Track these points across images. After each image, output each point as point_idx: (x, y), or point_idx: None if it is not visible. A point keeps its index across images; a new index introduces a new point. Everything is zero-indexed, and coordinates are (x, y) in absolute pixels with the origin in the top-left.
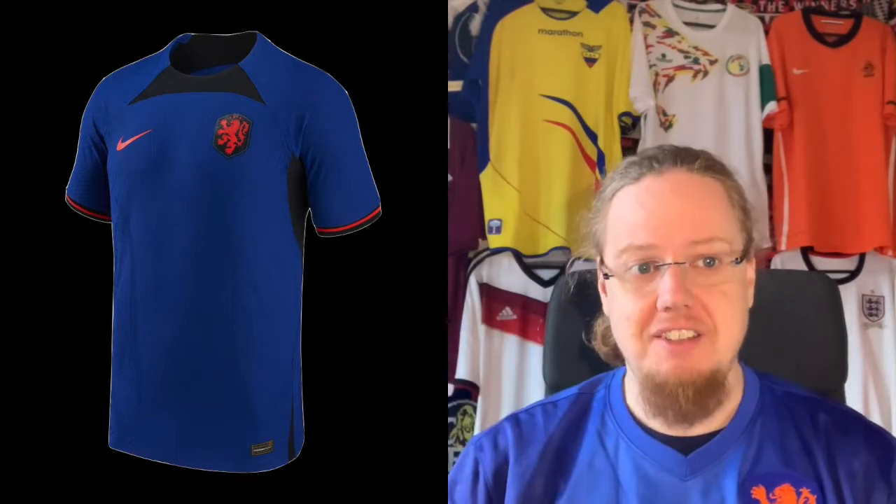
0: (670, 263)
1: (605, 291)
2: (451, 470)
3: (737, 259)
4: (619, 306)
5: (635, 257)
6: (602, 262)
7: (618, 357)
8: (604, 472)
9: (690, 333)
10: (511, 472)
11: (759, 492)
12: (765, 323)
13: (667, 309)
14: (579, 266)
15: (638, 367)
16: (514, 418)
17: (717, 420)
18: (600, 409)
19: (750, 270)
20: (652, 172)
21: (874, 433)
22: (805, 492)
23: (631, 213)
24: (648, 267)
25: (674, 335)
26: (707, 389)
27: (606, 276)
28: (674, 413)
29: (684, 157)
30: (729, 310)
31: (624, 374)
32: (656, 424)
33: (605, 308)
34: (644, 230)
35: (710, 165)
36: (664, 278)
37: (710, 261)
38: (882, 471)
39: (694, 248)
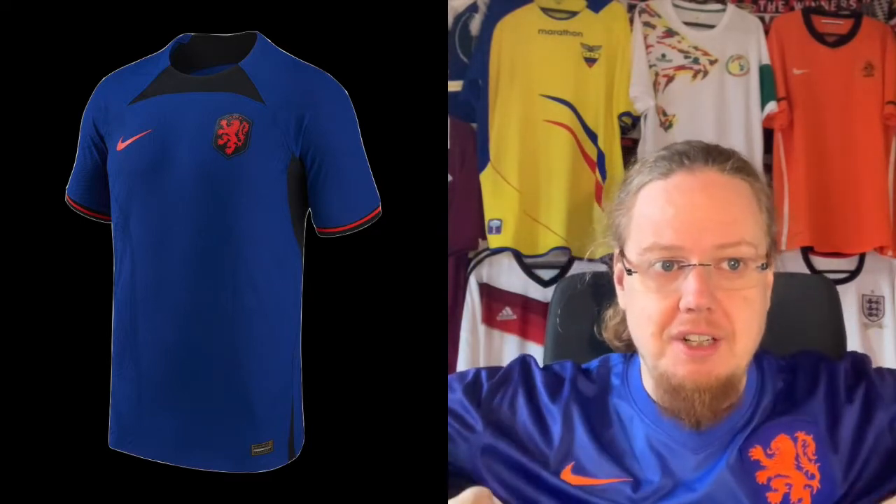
0: (695, 264)
1: (621, 284)
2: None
3: (762, 265)
4: (640, 304)
5: (660, 256)
6: (622, 254)
7: (629, 351)
8: (618, 443)
9: (709, 338)
10: (534, 399)
11: (756, 452)
12: (765, 324)
13: (689, 310)
14: (581, 267)
15: (654, 365)
16: (550, 366)
17: (733, 401)
18: (618, 383)
19: (769, 274)
20: (682, 169)
21: (855, 361)
22: (800, 435)
23: (658, 209)
24: (672, 265)
25: (693, 338)
26: (722, 394)
27: (629, 272)
28: (686, 416)
29: (716, 157)
30: (749, 316)
31: None
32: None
33: (621, 302)
34: (671, 229)
35: (740, 166)
36: (688, 279)
37: (735, 263)
38: (853, 384)
39: (721, 251)
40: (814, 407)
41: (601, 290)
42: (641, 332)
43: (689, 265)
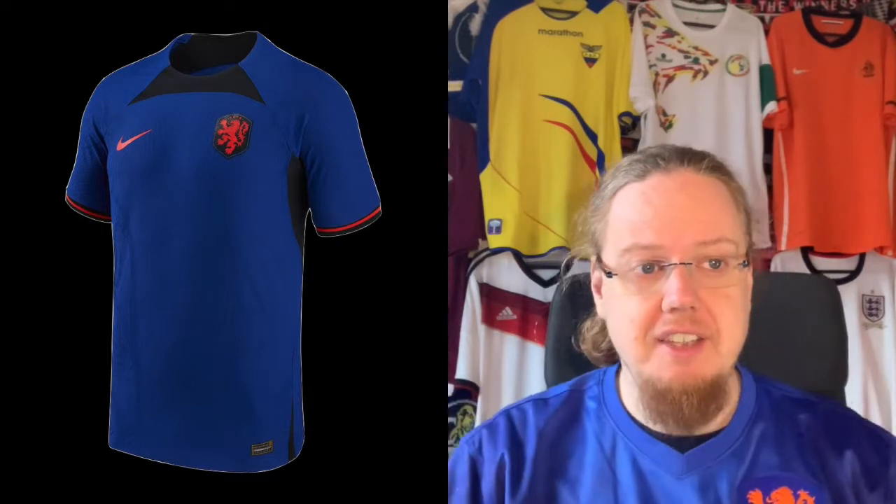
0: (676, 264)
1: (599, 293)
2: (449, 463)
3: (743, 262)
4: (621, 307)
5: (639, 257)
6: (599, 260)
7: (610, 362)
8: (601, 469)
9: (694, 337)
10: (508, 469)
11: (755, 496)
12: (766, 325)
13: (673, 310)
14: (576, 268)
15: (638, 371)
16: (507, 414)
17: (715, 421)
18: (595, 406)
19: (749, 277)
20: (658, 170)
21: (873, 435)
22: (803, 494)
23: (636, 211)
24: (653, 267)
25: (678, 338)
26: (710, 395)
27: (609, 275)
28: (675, 420)
29: (691, 157)
30: (732, 314)
31: (616, 371)
32: (653, 423)
33: (600, 310)
34: (650, 229)
35: (716, 166)
36: (670, 279)
37: (717, 263)
38: (880, 472)
39: (702, 249)
40: (833, 469)
41: (578, 299)
42: (624, 336)
43: (671, 265)
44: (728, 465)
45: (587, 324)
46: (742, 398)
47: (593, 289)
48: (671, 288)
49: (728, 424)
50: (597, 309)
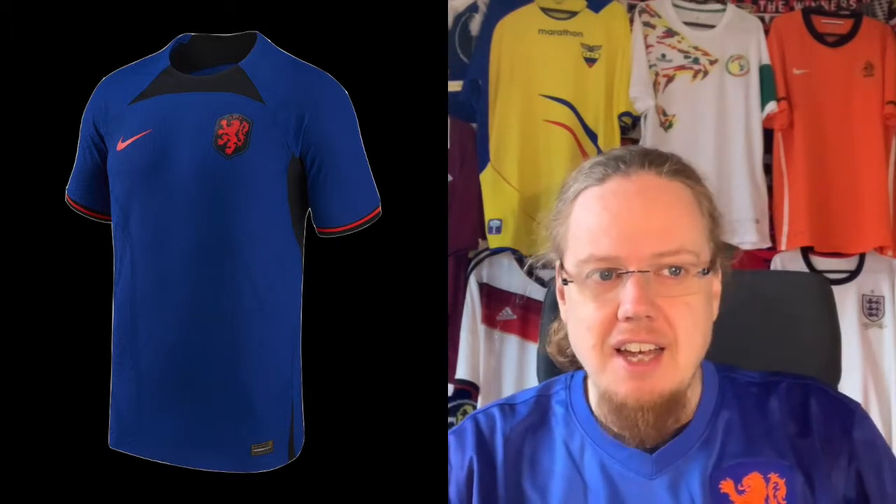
0: (633, 272)
1: (562, 298)
2: None
3: (704, 270)
4: (579, 314)
5: (597, 267)
6: (562, 266)
7: (575, 367)
8: (570, 475)
9: (651, 346)
10: (477, 474)
11: (727, 485)
12: (759, 323)
13: (628, 319)
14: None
15: (597, 381)
16: (474, 419)
17: (679, 418)
18: (562, 411)
19: (716, 283)
20: (618, 173)
21: (836, 403)
22: (773, 477)
23: (594, 216)
24: (611, 274)
25: (634, 347)
26: (667, 411)
27: (565, 282)
28: (631, 435)
29: (653, 160)
30: (692, 322)
31: (585, 375)
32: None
33: (563, 315)
34: (607, 238)
35: (679, 169)
36: (626, 287)
37: (676, 270)
38: (843, 440)
39: (659, 260)
40: (802, 447)
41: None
42: (582, 344)
43: (628, 272)
44: (697, 458)
45: (554, 326)
46: (704, 390)
47: (557, 293)
48: (626, 297)
49: (693, 418)
50: (560, 314)
